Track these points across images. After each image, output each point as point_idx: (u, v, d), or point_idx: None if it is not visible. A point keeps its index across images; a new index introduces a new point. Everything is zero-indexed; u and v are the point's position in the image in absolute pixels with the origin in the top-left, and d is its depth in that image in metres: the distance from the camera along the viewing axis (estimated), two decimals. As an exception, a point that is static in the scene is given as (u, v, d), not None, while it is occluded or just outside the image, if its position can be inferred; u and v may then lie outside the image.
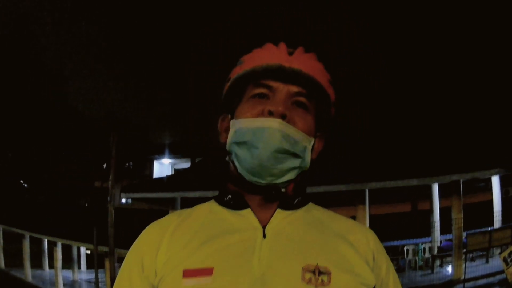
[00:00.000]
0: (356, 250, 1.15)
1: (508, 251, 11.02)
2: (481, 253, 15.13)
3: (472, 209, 15.39)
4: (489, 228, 14.60)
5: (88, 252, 25.56)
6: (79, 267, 25.99)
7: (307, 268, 1.08)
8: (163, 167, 40.30)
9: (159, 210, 20.44)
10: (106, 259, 21.04)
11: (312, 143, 1.19)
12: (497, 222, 15.21)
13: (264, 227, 1.14)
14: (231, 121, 1.19)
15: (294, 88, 1.16)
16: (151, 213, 22.81)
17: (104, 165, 36.19)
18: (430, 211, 16.16)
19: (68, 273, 24.19)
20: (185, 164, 36.70)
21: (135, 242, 1.21)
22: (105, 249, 20.69)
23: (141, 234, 1.21)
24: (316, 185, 13.13)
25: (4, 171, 35.46)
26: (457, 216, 13.90)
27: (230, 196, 1.19)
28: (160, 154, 39.89)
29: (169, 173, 36.34)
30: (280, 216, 1.16)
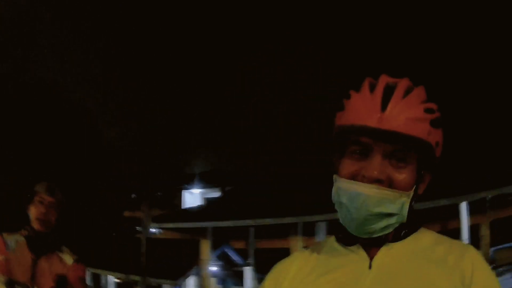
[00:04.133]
0: (453, 272, 1.19)
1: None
2: (509, 268, 15.02)
3: (499, 224, 15.31)
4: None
5: (117, 280, 25.75)
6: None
7: None
8: (193, 196, 40.42)
9: (190, 239, 20.53)
10: (136, 288, 21.23)
11: (412, 194, 1.24)
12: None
13: (371, 259, 1.24)
14: (334, 176, 1.27)
15: (390, 147, 1.19)
16: (182, 243, 22.90)
17: (133, 195, 36.45)
18: (459, 229, 16.10)
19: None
20: (215, 194, 36.69)
21: (263, 281, 1.38)
22: (135, 278, 20.93)
23: (268, 273, 1.37)
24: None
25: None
26: (485, 233, 13.85)
27: (341, 235, 1.31)
28: (189, 183, 39.99)
29: (199, 203, 36.47)
30: (386, 248, 1.25)
